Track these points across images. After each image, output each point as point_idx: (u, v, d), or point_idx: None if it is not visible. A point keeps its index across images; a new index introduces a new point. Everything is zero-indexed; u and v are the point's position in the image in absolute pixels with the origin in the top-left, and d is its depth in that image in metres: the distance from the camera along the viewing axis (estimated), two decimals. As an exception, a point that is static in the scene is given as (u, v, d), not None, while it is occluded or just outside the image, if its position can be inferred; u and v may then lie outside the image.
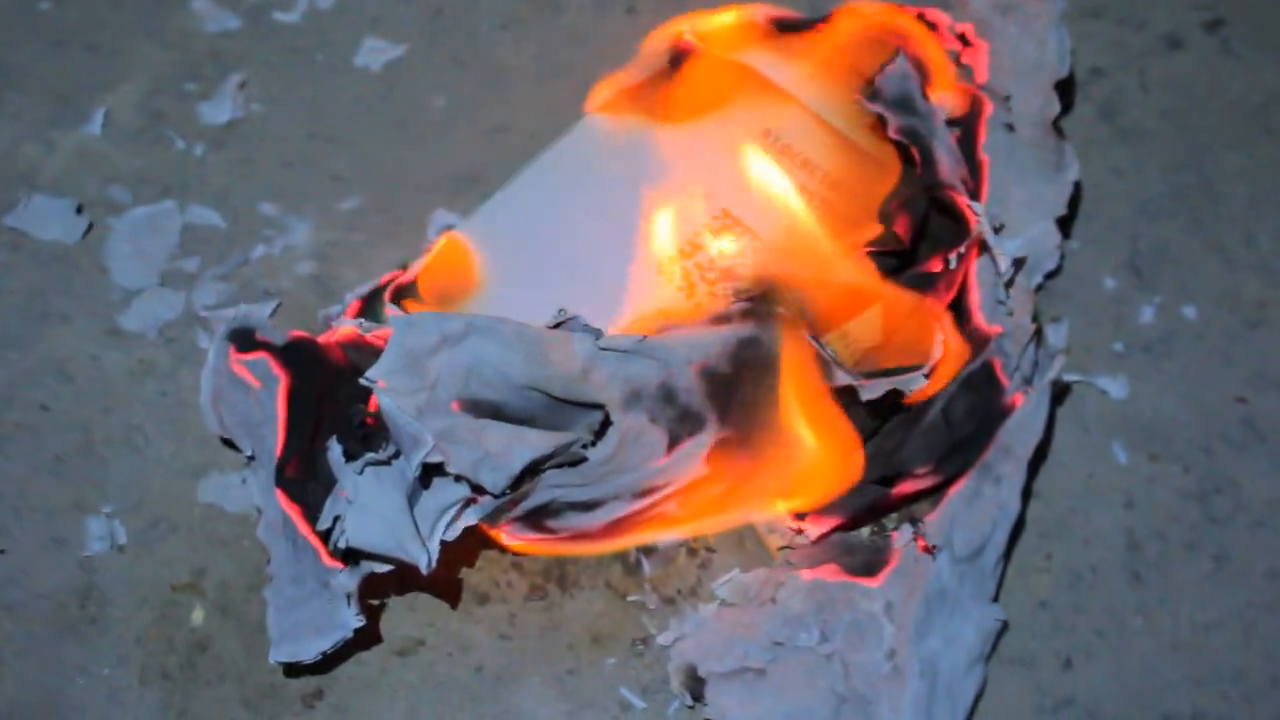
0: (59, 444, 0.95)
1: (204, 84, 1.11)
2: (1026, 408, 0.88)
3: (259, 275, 1.02)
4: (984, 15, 1.03)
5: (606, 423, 0.82)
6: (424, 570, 0.79)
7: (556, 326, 0.82)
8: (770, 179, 0.93)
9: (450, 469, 0.79)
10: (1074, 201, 1.00)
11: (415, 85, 1.12)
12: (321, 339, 0.88)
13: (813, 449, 0.85)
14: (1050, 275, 1.00)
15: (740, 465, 0.85)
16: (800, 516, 0.88)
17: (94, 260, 1.03)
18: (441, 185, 1.06)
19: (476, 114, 1.10)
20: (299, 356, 0.86)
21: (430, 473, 0.80)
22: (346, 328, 0.86)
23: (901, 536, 0.87)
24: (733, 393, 0.83)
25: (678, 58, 1.00)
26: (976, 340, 0.91)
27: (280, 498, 0.85)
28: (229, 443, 0.90)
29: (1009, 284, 0.92)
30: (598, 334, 0.81)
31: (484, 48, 1.14)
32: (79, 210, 1.04)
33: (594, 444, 0.82)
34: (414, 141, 1.09)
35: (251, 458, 0.87)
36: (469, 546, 0.88)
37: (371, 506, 0.80)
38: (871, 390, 0.84)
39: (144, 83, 1.11)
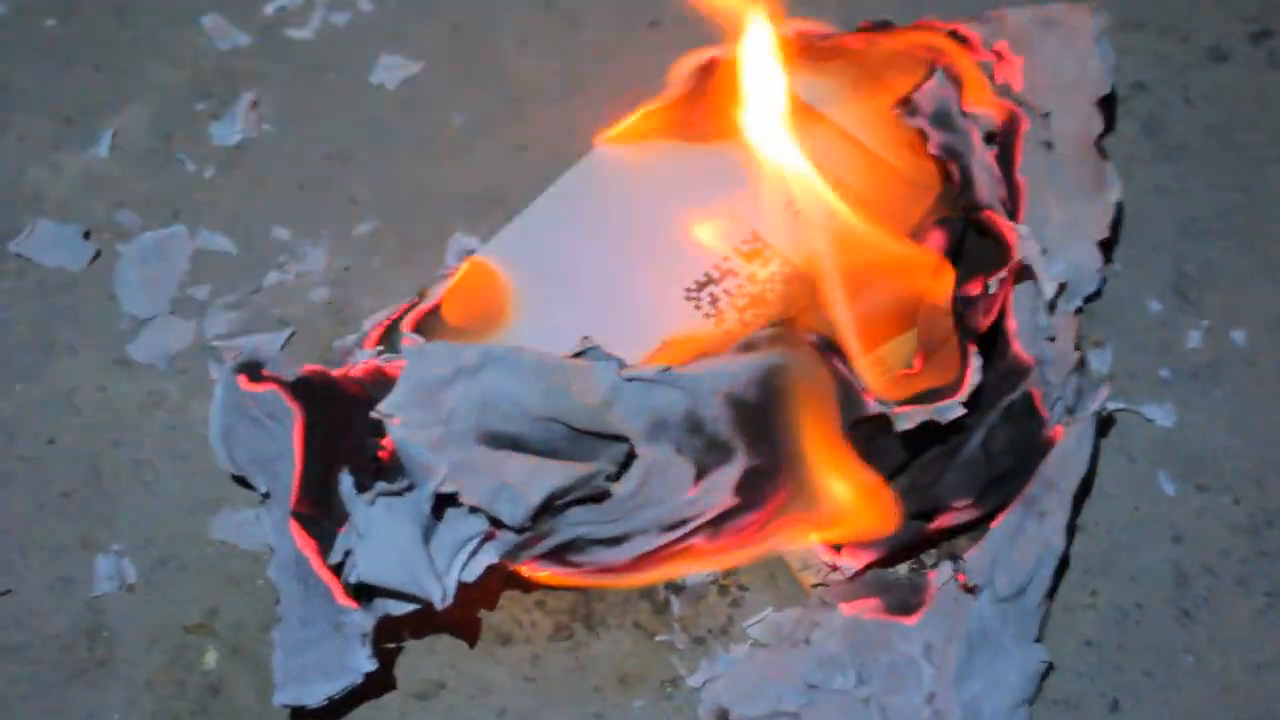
0: (66, 479, 0.94)
1: (214, 103, 1.10)
2: (1070, 440, 0.86)
3: (272, 303, 1.00)
4: (1023, 29, 1.01)
5: (631, 456, 0.80)
6: (438, 605, 0.78)
7: (578, 356, 0.80)
8: (801, 201, 0.91)
9: (465, 499, 0.77)
10: (1116, 222, 0.98)
11: (433, 103, 1.10)
12: (337, 372, 0.86)
13: (848, 479, 0.84)
14: (1090, 299, 0.98)
15: (771, 495, 0.83)
16: (836, 549, 0.86)
17: (101, 288, 1.01)
18: (460, 207, 1.04)
19: (496, 132, 1.09)
20: (313, 390, 0.84)
21: (445, 505, 0.79)
22: (364, 361, 0.84)
23: (941, 574, 0.85)
24: (762, 421, 0.82)
25: (705, 77, 0.98)
26: (1017, 369, 0.89)
27: (294, 534, 0.83)
28: (241, 480, 0.88)
29: (1051, 309, 0.90)
30: (620, 364, 0.79)
31: (503, 64, 1.13)
32: (86, 236, 1.03)
33: (618, 477, 0.80)
34: (432, 161, 1.07)
35: (266, 495, 0.85)
36: (490, 585, 0.86)
37: (384, 540, 0.79)
38: (906, 420, 0.83)
39: (152, 103, 1.10)
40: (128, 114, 1.10)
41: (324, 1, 1.15)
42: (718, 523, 0.83)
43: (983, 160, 0.93)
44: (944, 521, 0.88)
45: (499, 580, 0.86)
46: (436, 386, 0.78)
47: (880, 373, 0.88)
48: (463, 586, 0.79)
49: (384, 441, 0.83)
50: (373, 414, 0.79)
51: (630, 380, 0.79)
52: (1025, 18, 1.02)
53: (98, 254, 1.03)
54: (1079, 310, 0.96)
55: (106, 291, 1.01)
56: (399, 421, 0.78)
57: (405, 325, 0.90)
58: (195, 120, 1.09)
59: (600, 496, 0.81)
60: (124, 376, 0.98)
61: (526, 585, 0.87)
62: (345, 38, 1.14)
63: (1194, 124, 1.08)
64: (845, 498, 0.84)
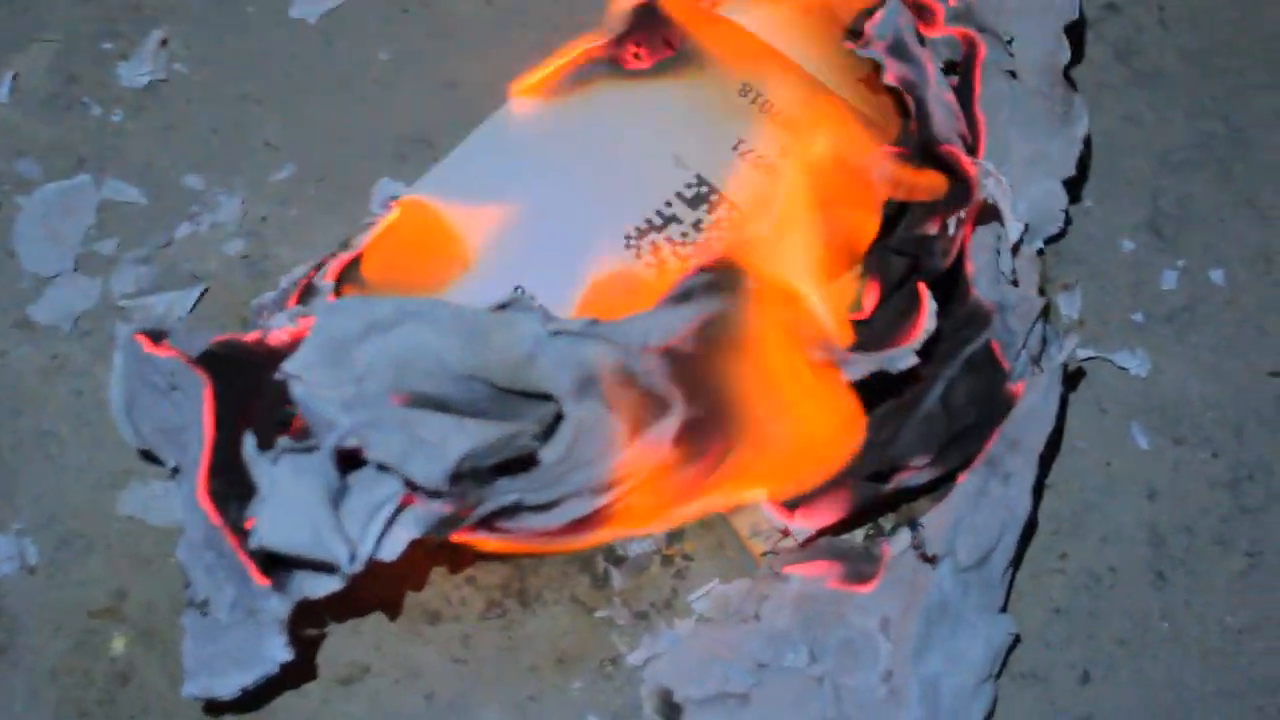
0: (-39, 454, 0.90)
1: (122, 42, 1.06)
2: (1035, 394, 0.83)
3: (183, 257, 0.97)
4: None
5: (559, 416, 0.77)
6: (346, 568, 0.74)
7: (501, 308, 0.77)
8: (749, 140, 0.88)
9: (372, 456, 0.74)
10: (1084, 157, 0.95)
11: (357, 38, 1.06)
12: (250, 337, 0.82)
13: (798, 423, 0.81)
14: (1052, 240, 0.95)
15: (713, 446, 0.80)
16: (789, 506, 0.83)
17: (0, 245, 0.97)
18: (386, 150, 1.01)
19: (425, 69, 1.05)
20: (222, 360, 0.81)
21: (355, 466, 0.75)
22: (281, 328, 0.81)
23: (898, 542, 0.82)
24: (700, 370, 0.79)
25: (647, 10, 0.94)
26: (977, 316, 0.86)
27: (205, 510, 0.79)
28: (149, 455, 0.84)
29: (1014, 251, 0.87)
30: (545, 316, 0.77)
31: (432, -6, 1.08)
32: (-18, 188, 0.98)
33: (545, 439, 0.77)
34: (355, 101, 1.03)
35: (175, 470, 0.81)
36: (416, 560, 0.82)
37: (287, 501, 0.75)
38: (855, 368, 0.80)
39: (55, 42, 1.06)
40: (29, 54, 1.05)
41: (241, -71, 1.10)
42: (656, 479, 0.80)
43: (940, 92, 0.90)
44: (901, 481, 0.85)
45: (425, 556, 0.83)
46: (348, 343, 0.75)
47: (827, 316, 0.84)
48: (386, 563, 0.75)
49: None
50: (277, 375, 0.75)
51: (555, 334, 0.76)
52: None
53: (-4, 207, 0.98)
54: (1041, 252, 0.94)
55: (6, 248, 0.97)
56: (307, 377, 0.74)
57: (325, 279, 0.87)
58: (101, 60, 1.05)
59: (528, 461, 0.77)
60: (25, 339, 0.94)
61: (456, 560, 0.84)
62: (263, -32, 1.09)
63: (1169, 47, 1.05)
64: (792, 442, 0.81)
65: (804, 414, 0.81)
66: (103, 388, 0.91)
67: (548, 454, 0.77)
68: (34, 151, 1.00)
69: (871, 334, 0.84)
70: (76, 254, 0.97)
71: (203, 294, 0.95)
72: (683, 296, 0.80)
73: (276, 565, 0.76)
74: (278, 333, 0.81)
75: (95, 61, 1.05)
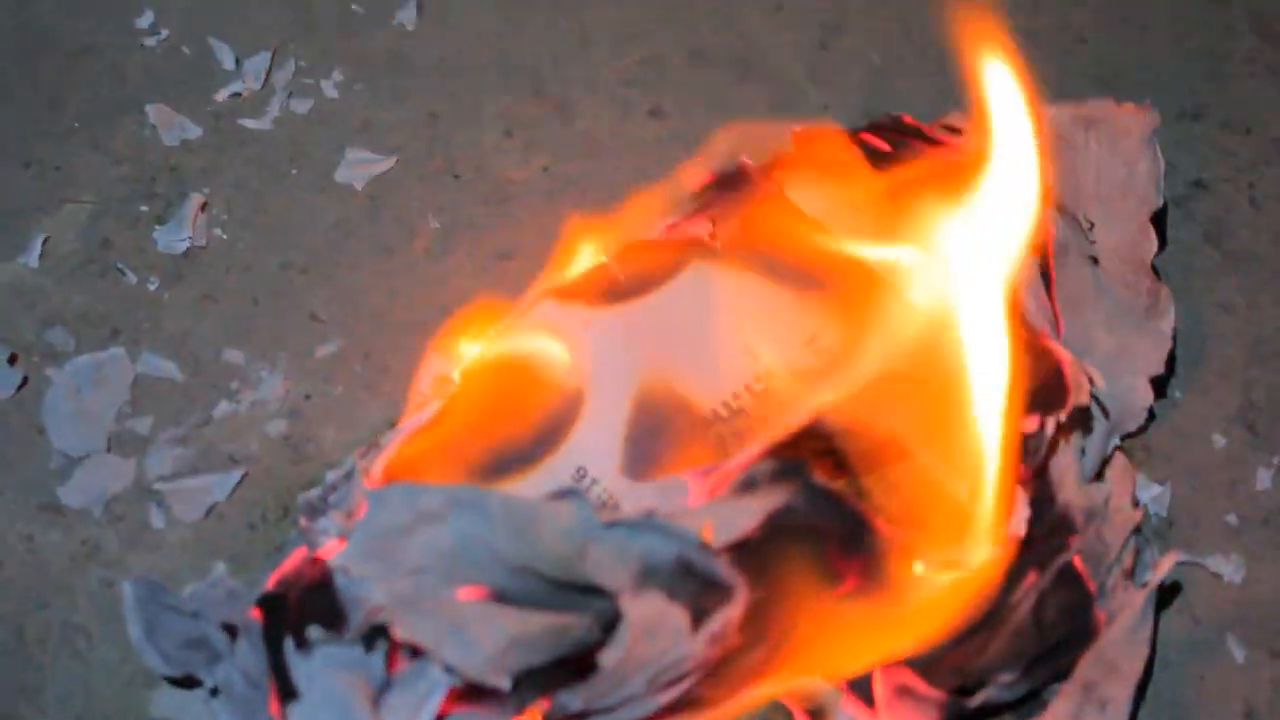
0: (-16, 646, 0.89)
1: (159, 205, 1.06)
2: (1133, 615, 0.83)
3: (222, 438, 0.96)
4: (1062, 129, 0.97)
5: (618, 616, 0.77)
6: None
7: (558, 497, 0.78)
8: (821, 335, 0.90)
9: (401, 636, 0.74)
10: (1171, 353, 0.95)
11: (405, 205, 1.07)
12: (297, 559, 0.82)
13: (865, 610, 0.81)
14: (1130, 436, 0.94)
15: (776, 627, 0.80)
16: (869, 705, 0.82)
17: (28, 420, 0.97)
18: (435, 323, 0.99)
19: (476, 238, 1.05)
20: (279, 598, 0.81)
21: (398, 658, 0.76)
22: (327, 540, 0.81)
23: (990, 767, 0.81)
24: (763, 554, 0.79)
25: (729, 183, 0.95)
26: (1068, 523, 0.86)
27: None
28: (183, 681, 0.83)
29: (1105, 463, 0.88)
30: (601, 505, 0.79)
31: (485, 158, 1.09)
32: (11, 360, 0.99)
33: (602, 636, 0.77)
34: (404, 272, 1.04)
35: (215, 690, 0.80)
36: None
37: (321, 698, 0.75)
38: (930, 561, 0.81)
39: (89, 204, 1.06)
40: (61, 217, 1.06)
41: (284, 87, 1.11)
42: (720, 667, 0.80)
43: (1035, 279, 0.90)
44: (987, 697, 0.84)
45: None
46: (397, 535, 0.76)
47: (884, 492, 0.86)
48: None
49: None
50: (331, 563, 0.76)
51: (610, 527, 0.76)
52: (1065, 115, 0.99)
53: (24, 380, 0.99)
54: (1119, 447, 0.93)
55: (34, 424, 0.97)
56: (353, 572, 0.75)
57: (373, 471, 0.87)
58: (137, 224, 1.05)
59: (587, 668, 0.77)
60: (53, 524, 0.93)
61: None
62: (307, 129, 1.10)
63: (1261, 229, 1.05)
64: (860, 626, 0.81)
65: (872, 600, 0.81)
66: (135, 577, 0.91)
67: (607, 658, 0.77)
68: (65, 321, 1.01)
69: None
70: (109, 432, 0.96)
71: (242, 478, 0.94)
72: (746, 487, 0.80)
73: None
74: (328, 546, 0.81)
75: (130, 225, 1.05)
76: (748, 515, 0.79)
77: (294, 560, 0.83)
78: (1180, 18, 1.17)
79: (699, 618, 0.78)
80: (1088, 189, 0.96)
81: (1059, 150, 0.97)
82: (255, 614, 0.80)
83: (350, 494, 0.85)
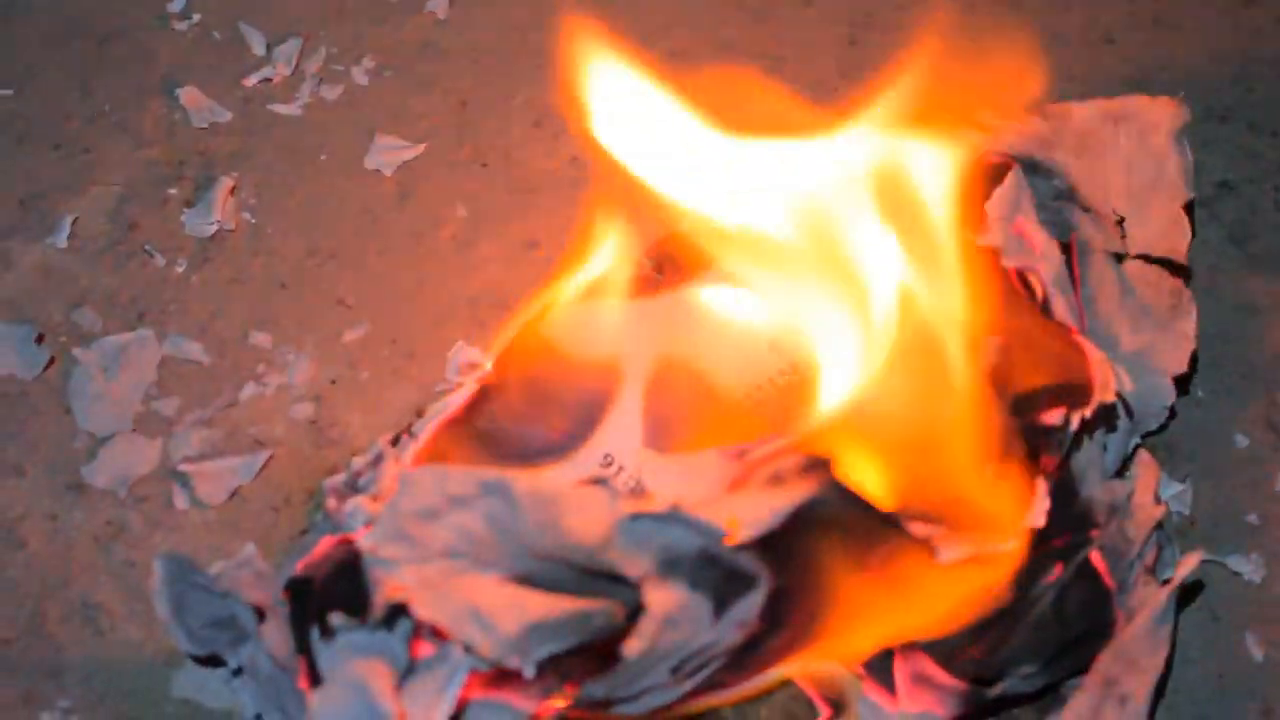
0: (7, 625, 0.89)
1: (187, 188, 1.07)
2: (1155, 611, 0.82)
3: (248, 420, 0.97)
4: (1090, 125, 0.97)
5: (639, 604, 0.76)
6: None
7: (583, 484, 0.77)
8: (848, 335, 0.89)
9: (419, 615, 0.73)
10: (1194, 354, 0.94)
11: (433, 192, 1.07)
12: (327, 545, 0.82)
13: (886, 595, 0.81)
14: (1151, 434, 0.94)
15: (800, 613, 0.80)
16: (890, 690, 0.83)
17: (55, 400, 0.98)
18: (463, 312, 1.01)
19: (504, 227, 1.06)
20: (306, 581, 0.81)
21: (420, 642, 0.75)
22: (358, 522, 0.81)
23: (1009, 760, 0.81)
24: (787, 545, 0.79)
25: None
26: (1090, 518, 0.86)
27: None
28: (207, 660, 0.83)
29: (1133, 453, 0.88)
30: (626, 494, 0.76)
31: (514, 148, 1.10)
32: (39, 340, 1.00)
33: (626, 626, 0.76)
34: (431, 259, 1.04)
35: (239, 670, 0.81)
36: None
37: (343, 685, 0.74)
38: (951, 551, 0.80)
39: (117, 187, 1.07)
40: (89, 199, 1.06)
41: (314, 73, 1.12)
42: (742, 653, 0.80)
43: (1063, 276, 0.90)
44: (1007, 688, 0.84)
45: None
46: (425, 517, 0.75)
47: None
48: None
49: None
50: (359, 545, 0.76)
51: (635, 518, 0.75)
52: (1093, 111, 0.99)
53: (51, 360, 0.99)
54: (1138, 446, 0.92)
55: (61, 404, 0.97)
56: (381, 553, 0.75)
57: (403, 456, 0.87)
58: (165, 207, 1.06)
59: (609, 659, 0.76)
60: (77, 503, 0.94)
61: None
62: (337, 115, 1.11)
63: (1287, 231, 1.05)
64: (882, 613, 0.82)
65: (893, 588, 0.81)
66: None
67: (630, 649, 0.77)
68: (92, 302, 1.01)
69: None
70: (135, 413, 0.97)
71: (267, 461, 0.95)
72: (775, 480, 0.80)
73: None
74: (359, 532, 0.81)
75: (158, 208, 1.06)
76: (774, 511, 0.78)
77: (323, 547, 0.83)
78: (1209, 20, 1.17)
79: (721, 606, 0.78)
80: (1118, 184, 0.96)
81: (1088, 148, 0.97)
82: (284, 596, 0.80)
83: (378, 479, 0.86)
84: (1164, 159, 0.97)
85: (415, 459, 0.86)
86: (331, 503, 0.84)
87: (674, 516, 0.76)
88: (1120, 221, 0.95)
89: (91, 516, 0.93)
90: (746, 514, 0.78)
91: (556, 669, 0.76)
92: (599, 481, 0.77)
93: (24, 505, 0.94)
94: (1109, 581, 0.85)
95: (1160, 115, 0.98)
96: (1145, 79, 1.13)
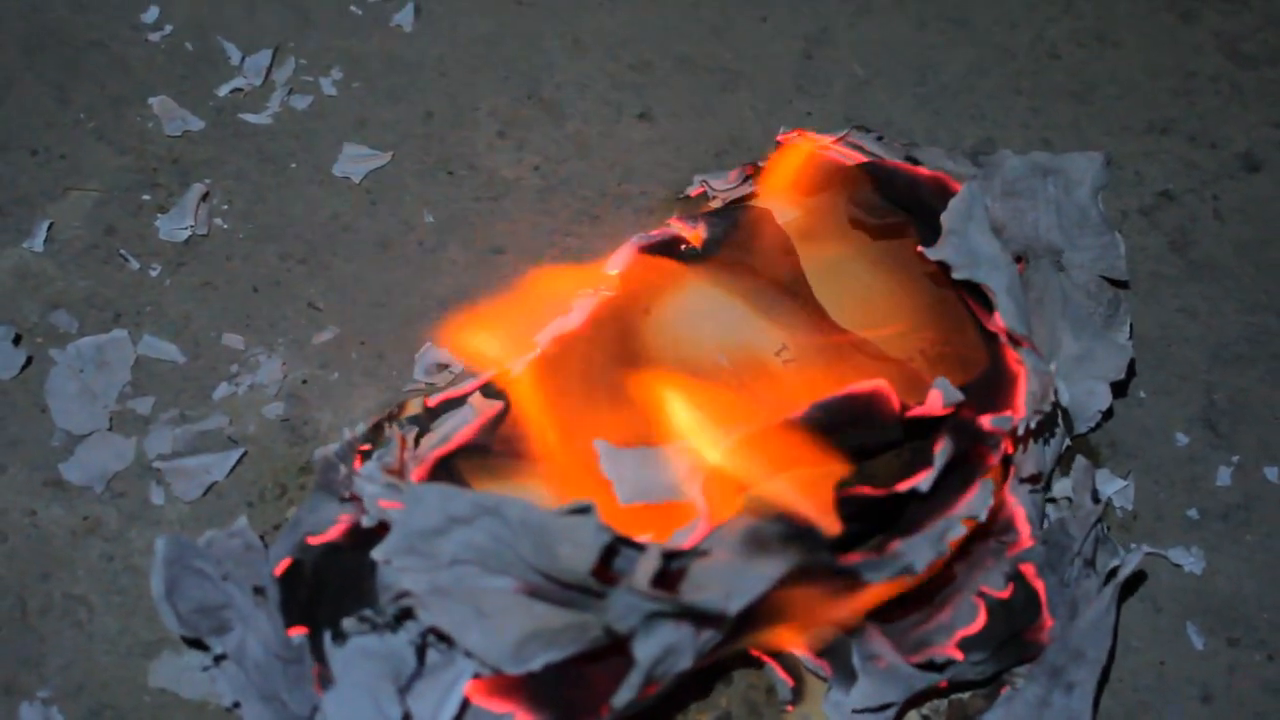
0: (-12, 616, 0.90)
1: (162, 194, 1.07)
2: (1100, 605, 0.85)
3: (222, 419, 0.97)
4: (1020, 174, 0.99)
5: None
6: None
7: (572, 513, 0.77)
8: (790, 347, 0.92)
9: (425, 620, 0.75)
10: (1131, 363, 0.97)
11: (401, 199, 1.08)
12: (340, 527, 0.83)
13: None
14: (1080, 436, 0.97)
15: (756, 619, 0.81)
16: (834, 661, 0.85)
17: (32, 399, 0.98)
18: (430, 314, 1.02)
19: (469, 233, 1.07)
20: (301, 564, 0.82)
21: (428, 647, 0.77)
22: (371, 509, 0.82)
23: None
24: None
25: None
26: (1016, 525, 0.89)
27: None
28: (193, 642, 0.84)
29: (1062, 456, 0.90)
30: (611, 534, 0.76)
31: (479, 157, 1.11)
32: (16, 340, 1.00)
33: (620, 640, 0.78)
34: (399, 263, 1.05)
35: (221, 657, 0.82)
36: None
37: (353, 686, 0.76)
38: (874, 573, 0.82)
39: (94, 192, 1.07)
40: (66, 204, 1.07)
41: (284, 83, 1.13)
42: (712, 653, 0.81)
43: (1016, 285, 0.92)
44: (954, 673, 0.86)
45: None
46: (431, 534, 0.76)
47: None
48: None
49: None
50: (372, 555, 0.77)
51: (629, 592, 0.76)
52: (1022, 162, 1.00)
53: (29, 361, 0.99)
54: (1068, 448, 0.95)
55: (38, 403, 0.98)
56: (394, 564, 0.76)
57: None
58: (140, 213, 1.06)
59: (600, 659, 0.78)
60: (55, 499, 0.94)
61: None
62: (307, 124, 1.11)
63: (1224, 239, 1.07)
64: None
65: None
66: (135, 552, 0.92)
67: (620, 699, 0.78)
68: (68, 304, 1.01)
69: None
70: (110, 412, 0.97)
71: (241, 458, 0.95)
72: (759, 544, 0.79)
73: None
74: (369, 494, 0.82)
75: (134, 213, 1.06)
76: (760, 580, 0.79)
77: (338, 529, 0.84)
78: (1151, 36, 1.19)
79: (699, 629, 0.79)
80: (1048, 223, 0.97)
81: (1016, 192, 0.99)
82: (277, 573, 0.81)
83: (391, 453, 0.86)
84: (1087, 211, 0.98)
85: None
86: (329, 471, 0.85)
87: (667, 604, 0.76)
88: (1059, 254, 0.97)
89: (70, 512, 0.94)
90: (733, 585, 0.78)
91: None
92: (585, 509, 0.78)
93: (3, 501, 0.94)
94: (1035, 583, 0.87)
95: (1083, 168, 0.99)
96: (1089, 92, 1.15)
